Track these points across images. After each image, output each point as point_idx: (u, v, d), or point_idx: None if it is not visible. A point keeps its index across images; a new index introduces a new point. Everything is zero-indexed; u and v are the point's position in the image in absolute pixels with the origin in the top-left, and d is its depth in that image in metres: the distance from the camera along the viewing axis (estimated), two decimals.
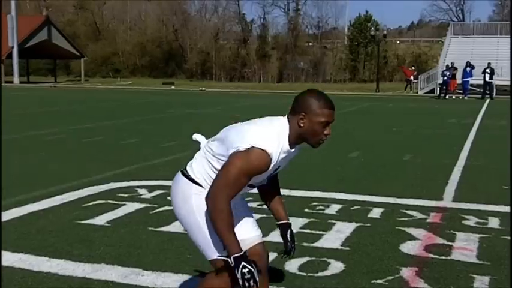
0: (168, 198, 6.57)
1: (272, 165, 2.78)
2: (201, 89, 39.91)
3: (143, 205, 6.33)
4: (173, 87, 43.27)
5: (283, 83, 54.55)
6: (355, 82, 52.44)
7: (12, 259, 4.54)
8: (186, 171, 2.99)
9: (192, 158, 3.10)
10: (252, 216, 3.18)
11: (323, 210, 6.25)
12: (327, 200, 6.69)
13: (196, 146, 3.22)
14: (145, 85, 44.89)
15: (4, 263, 4.43)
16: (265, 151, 2.71)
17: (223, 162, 2.80)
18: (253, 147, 2.70)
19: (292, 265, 4.48)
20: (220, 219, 2.71)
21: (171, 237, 5.18)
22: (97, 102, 25.68)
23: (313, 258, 4.66)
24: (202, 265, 4.46)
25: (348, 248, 4.95)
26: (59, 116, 18.60)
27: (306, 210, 6.21)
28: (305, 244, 5.02)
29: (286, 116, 2.90)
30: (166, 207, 6.20)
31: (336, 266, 4.50)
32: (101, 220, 5.71)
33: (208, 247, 2.89)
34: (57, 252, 4.71)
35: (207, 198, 2.76)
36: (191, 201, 2.90)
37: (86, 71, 56.31)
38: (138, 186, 7.26)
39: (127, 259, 4.56)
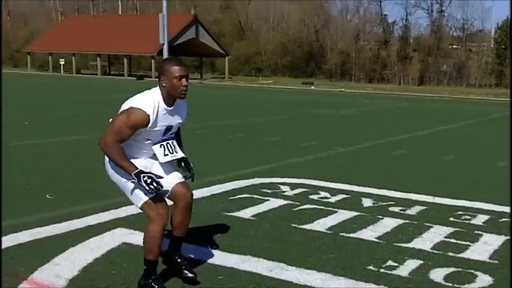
0: (310, 196, 6.73)
1: (152, 119, 3.68)
2: (340, 89, 39.77)
3: (286, 202, 6.48)
4: (313, 87, 43.49)
5: (424, 86, 52.92)
6: (502, 87, 49.65)
7: (164, 246, 4.82)
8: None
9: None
10: (171, 167, 4.00)
11: (469, 220, 6.04)
12: (473, 209, 6.46)
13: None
14: (285, 84, 45.51)
15: None
16: (140, 109, 3.65)
17: None
18: (132, 107, 3.67)
19: (437, 274, 4.40)
20: (111, 152, 3.63)
21: (314, 235, 5.26)
22: (240, 100, 26.45)
23: (459, 269, 4.53)
24: (345, 264, 4.51)
25: (496, 262, 4.76)
26: (205, 111, 19.39)
27: (451, 219, 6.04)
28: (450, 254, 4.89)
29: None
30: (308, 206, 6.32)
31: (483, 279, 4.35)
32: (246, 213, 5.93)
33: (134, 199, 3.75)
34: (207, 241, 4.96)
35: (99, 144, 3.65)
36: (110, 170, 3.82)
37: (230, 69, 58.07)
38: (281, 183, 7.43)
39: (272, 253, 4.70)
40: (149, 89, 3.89)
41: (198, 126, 13.91)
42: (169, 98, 3.78)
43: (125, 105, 3.74)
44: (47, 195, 6.37)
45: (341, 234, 5.34)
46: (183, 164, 4.14)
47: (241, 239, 5.08)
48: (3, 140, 9.66)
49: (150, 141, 3.83)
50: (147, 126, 3.67)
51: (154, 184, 3.59)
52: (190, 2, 73.98)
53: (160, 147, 3.88)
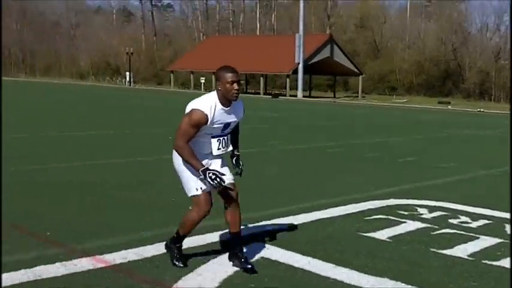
0: (449, 220, 6.52)
1: (210, 117, 4.31)
2: (479, 109, 38.09)
3: (424, 225, 6.31)
4: (449, 106, 42.03)
5: None
6: None
7: (302, 262, 4.88)
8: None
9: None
10: (225, 165, 4.63)
11: None
12: None
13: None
14: (419, 103, 44.34)
15: (295, 264, 4.80)
16: (200, 109, 4.30)
17: None
18: (193, 109, 4.33)
19: None
20: (183, 153, 4.33)
21: (454, 261, 5.08)
22: (373, 119, 26.15)
23: None
24: None
25: None
26: (339, 129, 19.38)
27: None
28: None
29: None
30: (448, 230, 6.11)
31: None
32: (382, 235, 5.85)
33: (188, 189, 4.48)
34: (343, 260, 4.94)
35: (173, 145, 4.39)
36: (176, 161, 4.51)
37: (363, 87, 57.65)
38: (418, 205, 7.25)
39: (410, 277, 4.60)
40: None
41: (332, 145, 13.95)
42: (225, 100, 4.38)
43: (188, 108, 4.40)
44: (190, 208, 6.67)
45: (483, 261, 5.11)
46: (234, 160, 4.78)
47: (377, 260, 5.02)
48: (160, 154, 10.21)
49: (210, 135, 4.47)
50: (207, 123, 4.32)
51: (218, 180, 4.26)
52: (326, 21, 74.52)
53: (217, 141, 4.50)
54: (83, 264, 4.64)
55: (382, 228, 6.08)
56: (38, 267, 4.48)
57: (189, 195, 4.50)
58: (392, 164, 11.32)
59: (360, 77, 56.37)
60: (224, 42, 64.78)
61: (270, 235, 5.61)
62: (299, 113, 27.94)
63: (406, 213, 6.83)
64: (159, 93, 45.04)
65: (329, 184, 8.79)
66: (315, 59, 52.48)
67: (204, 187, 4.43)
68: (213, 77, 54.68)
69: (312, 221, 6.31)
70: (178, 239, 4.69)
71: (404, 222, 6.40)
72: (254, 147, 13.09)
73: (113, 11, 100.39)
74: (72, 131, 15.45)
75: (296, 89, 52.37)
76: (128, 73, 65.21)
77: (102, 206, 6.76)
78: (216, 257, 4.87)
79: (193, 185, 4.43)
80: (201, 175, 4.27)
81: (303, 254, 5.07)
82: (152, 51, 79.28)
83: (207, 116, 4.29)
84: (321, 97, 54.49)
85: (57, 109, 24.53)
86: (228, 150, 4.64)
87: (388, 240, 5.69)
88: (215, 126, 4.38)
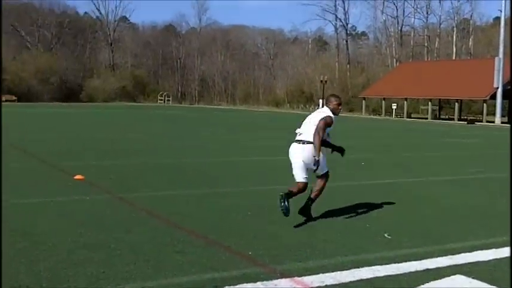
0: None
1: (334, 119, 7.17)
2: None
3: None
4: None
5: None
6: None
7: None
8: (301, 141, 7.11)
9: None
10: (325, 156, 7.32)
11: None
12: None
13: None
14: None
15: None
16: (331, 116, 7.16)
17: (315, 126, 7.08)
18: (327, 115, 7.14)
19: None
20: (319, 140, 6.90)
21: None
22: None
23: None
24: None
25: None
26: None
27: None
28: None
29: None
30: None
31: None
32: None
33: (298, 176, 7.08)
34: None
35: (314, 134, 6.97)
36: (295, 154, 7.15)
37: None
38: None
39: None
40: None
41: None
42: (333, 114, 7.23)
43: (323, 114, 7.14)
44: (385, 235, 6.63)
45: None
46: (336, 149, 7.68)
47: None
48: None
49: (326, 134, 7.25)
50: (331, 125, 7.15)
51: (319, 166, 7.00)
52: None
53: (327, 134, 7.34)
54: (283, 285, 4.80)
55: None
56: (240, 285, 4.73)
57: (297, 180, 7.03)
58: None
59: None
60: (417, 67, 63.54)
61: (471, 268, 5.39)
62: (498, 140, 26.30)
63: None
64: (352, 121, 45.18)
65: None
66: None
67: (307, 178, 7.06)
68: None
69: (502, 258, 5.91)
70: (290, 196, 6.94)
71: None
72: (453, 174, 12.75)
73: (308, 40, 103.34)
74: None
75: (493, 114, 49.53)
76: (320, 100, 66.48)
77: (311, 229, 6.95)
78: (413, 287, 4.80)
79: (303, 175, 7.02)
80: (316, 158, 6.87)
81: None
82: (345, 79, 79.94)
83: (333, 118, 7.15)
84: None
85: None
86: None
87: None
88: (331, 128, 7.21)
